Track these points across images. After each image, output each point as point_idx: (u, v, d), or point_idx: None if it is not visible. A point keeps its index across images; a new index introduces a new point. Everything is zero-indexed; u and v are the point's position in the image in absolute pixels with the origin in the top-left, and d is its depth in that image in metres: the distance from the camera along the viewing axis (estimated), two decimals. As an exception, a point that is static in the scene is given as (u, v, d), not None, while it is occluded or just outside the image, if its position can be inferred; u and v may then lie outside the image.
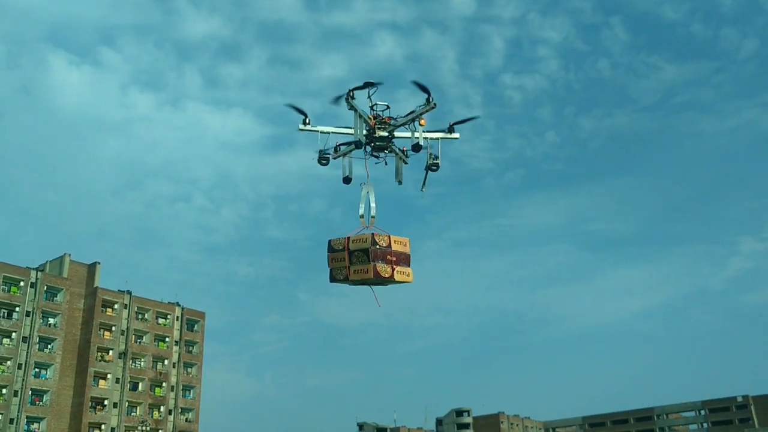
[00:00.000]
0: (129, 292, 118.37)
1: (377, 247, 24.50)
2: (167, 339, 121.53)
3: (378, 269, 24.32)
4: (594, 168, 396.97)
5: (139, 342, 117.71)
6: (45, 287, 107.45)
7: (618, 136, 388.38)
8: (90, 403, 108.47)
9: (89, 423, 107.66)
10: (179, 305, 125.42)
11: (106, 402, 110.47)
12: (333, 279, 25.42)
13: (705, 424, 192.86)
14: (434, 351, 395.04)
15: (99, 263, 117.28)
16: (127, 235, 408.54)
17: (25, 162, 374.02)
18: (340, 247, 25.07)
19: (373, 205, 25.20)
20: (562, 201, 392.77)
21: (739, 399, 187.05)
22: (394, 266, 24.74)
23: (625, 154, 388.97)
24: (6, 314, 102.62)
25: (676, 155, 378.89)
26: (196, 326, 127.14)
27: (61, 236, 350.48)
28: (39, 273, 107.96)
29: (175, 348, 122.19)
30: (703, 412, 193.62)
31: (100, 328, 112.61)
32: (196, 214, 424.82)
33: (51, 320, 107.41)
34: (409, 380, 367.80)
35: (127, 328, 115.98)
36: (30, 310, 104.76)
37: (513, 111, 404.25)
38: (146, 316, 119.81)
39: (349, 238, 25.10)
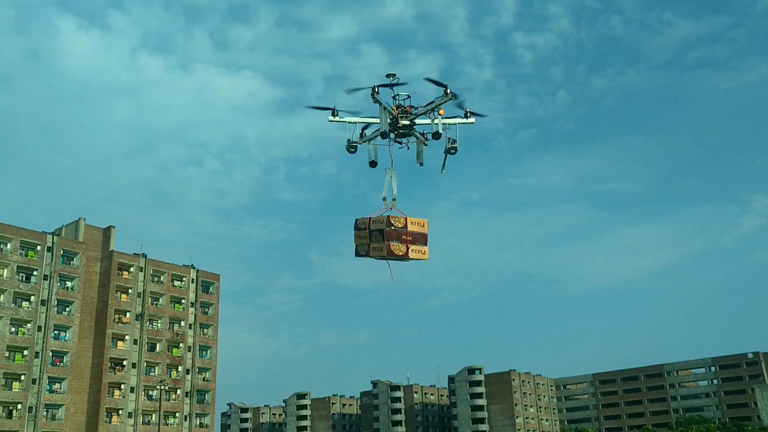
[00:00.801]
0: (144, 255, 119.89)
1: (392, 227, 26.57)
2: (183, 301, 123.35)
3: (392, 248, 26.47)
4: (606, 127, 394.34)
5: (156, 304, 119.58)
6: (61, 251, 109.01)
7: (630, 95, 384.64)
8: (109, 364, 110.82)
9: (109, 383, 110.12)
10: (194, 268, 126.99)
11: (124, 362, 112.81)
12: (357, 254, 27.61)
13: (715, 381, 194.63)
14: (446, 311, 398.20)
15: (114, 227, 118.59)
16: (140, 199, 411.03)
17: (37, 127, 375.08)
18: (363, 226, 27.21)
19: (395, 188, 27.06)
20: (574, 160, 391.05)
21: (750, 356, 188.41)
22: (409, 245, 26.74)
23: (637, 112, 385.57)
24: (24, 278, 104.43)
25: (689, 113, 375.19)
26: (211, 288, 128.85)
27: (76, 200, 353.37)
28: (55, 237, 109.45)
29: (191, 310, 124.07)
30: (713, 368, 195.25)
31: (116, 291, 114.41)
32: (209, 177, 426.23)
33: (68, 283, 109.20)
34: (422, 339, 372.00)
35: (143, 291, 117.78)
36: (47, 273, 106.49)
37: (524, 70, 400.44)
38: (162, 278, 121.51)
39: (370, 218, 27.17)
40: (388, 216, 26.77)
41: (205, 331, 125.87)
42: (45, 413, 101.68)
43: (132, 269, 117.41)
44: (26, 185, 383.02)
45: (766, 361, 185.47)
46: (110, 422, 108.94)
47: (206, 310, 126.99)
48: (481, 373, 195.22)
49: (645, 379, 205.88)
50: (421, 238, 27.08)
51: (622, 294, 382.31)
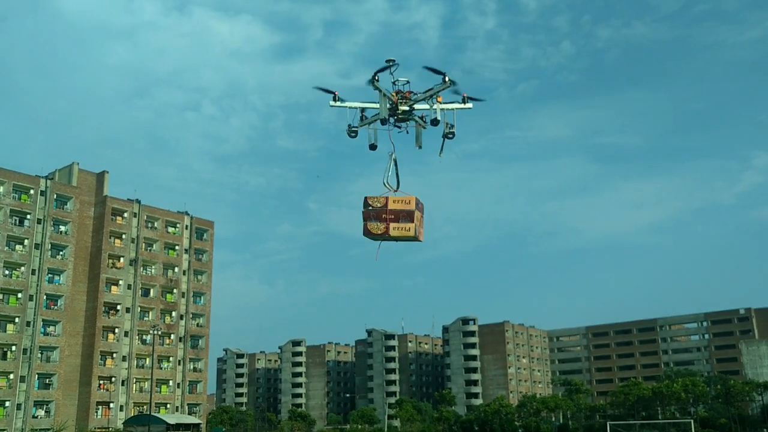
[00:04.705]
0: (138, 201, 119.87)
1: (370, 208, 26.92)
2: (177, 247, 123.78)
3: (368, 227, 26.74)
4: (609, 79, 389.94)
5: (150, 250, 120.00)
6: (55, 195, 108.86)
7: (635, 47, 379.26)
8: (103, 308, 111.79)
9: (103, 326, 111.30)
10: (188, 214, 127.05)
11: (119, 307, 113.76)
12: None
13: (706, 335, 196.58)
14: (443, 262, 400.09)
15: (107, 172, 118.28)
16: (137, 144, 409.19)
17: (32, 69, 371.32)
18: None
19: (398, 173, 27.59)
20: (575, 113, 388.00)
21: (742, 311, 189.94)
22: (390, 223, 26.82)
23: (641, 65, 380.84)
24: (18, 221, 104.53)
25: (694, 67, 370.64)
26: (205, 235, 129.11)
27: (72, 144, 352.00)
28: (48, 181, 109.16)
29: (185, 256, 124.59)
30: (705, 323, 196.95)
31: (110, 236, 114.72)
32: (206, 123, 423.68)
33: (62, 228, 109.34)
34: (418, 290, 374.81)
35: (137, 237, 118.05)
36: (41, 217, 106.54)
37: (528, 19, 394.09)
38: (156, 224, 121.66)
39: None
40: (366, 197, 27.09)
41: (199, 277, 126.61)
42: (39, 355, 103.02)
43: (126, 215, 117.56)
44: (22, 128, 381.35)
45: (758, 317, 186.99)
46: (104, 365, 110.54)
47: (200, 256, 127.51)
48: (475, 323, 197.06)
49: (637, 333, 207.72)
50: (405, 215, 27.04)
51: (619, 248, 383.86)
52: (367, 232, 26.83)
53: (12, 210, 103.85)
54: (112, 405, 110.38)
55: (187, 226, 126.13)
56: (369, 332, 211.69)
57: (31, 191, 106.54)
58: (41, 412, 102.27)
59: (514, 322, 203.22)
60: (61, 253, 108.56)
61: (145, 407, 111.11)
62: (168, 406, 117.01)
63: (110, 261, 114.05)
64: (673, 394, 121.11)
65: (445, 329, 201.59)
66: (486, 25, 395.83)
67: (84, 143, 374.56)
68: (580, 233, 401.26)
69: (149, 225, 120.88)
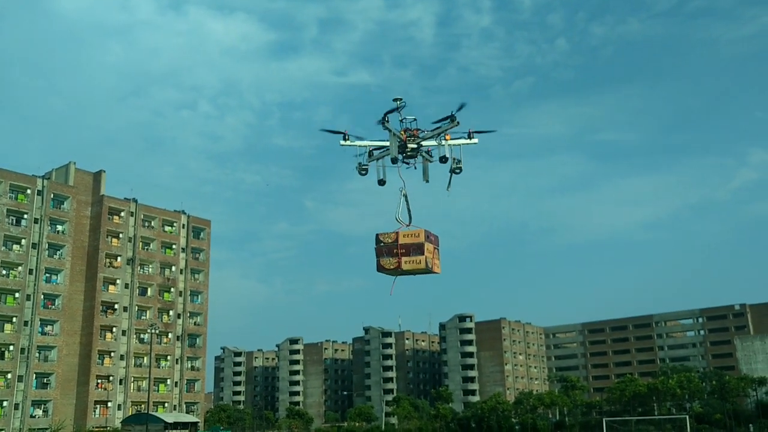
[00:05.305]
0: (135, 200, 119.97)
1: (381, 244, 28.10)
2: (174, 246, 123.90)
3: (382, 263, 27.95)
4: (605, 76, 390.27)
5: (147, 249, 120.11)
6: (51, 195, 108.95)
7: (630, 44, 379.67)
8: (101, 307, 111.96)
9: (101, 326, 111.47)
10: (185, 213, 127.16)
11: (116, 306, 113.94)
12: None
13: (702, 331, 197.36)
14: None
15: (104, 171, 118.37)
16: (133, 143, 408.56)
17: (28, 68, 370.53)
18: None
19: (409, 208, 28.86)
20: (572, 110, 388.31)
21: (737, 307, 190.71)
22: (401, 257, 27.79)
23: (636, 62, 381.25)
24: (15, 221, 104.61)
25: (689, 64, 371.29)
26: (202, 234, 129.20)
27: (69, 144, 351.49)
28: (45, 181, 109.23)
29: (182, 255, 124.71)
30: (700, 319, 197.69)
31: (107, 235, 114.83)
32: (202, 121, 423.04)
33: (59, 227, 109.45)
34: (414, 287, 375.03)
35: (134, 236, 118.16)
36: (38, 217, 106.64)
37: (523, 17, 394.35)
38: (152, 223, 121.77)
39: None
40: (377, 234, 28.08)
41: (196, 276, 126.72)
42: (37, 355, 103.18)
43: (122, 214, 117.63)
44: (19, 127, 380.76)
45: (753, 313, 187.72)
46: (102, 364, 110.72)
47: (197, 255, 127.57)
48: (471, 320, 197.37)
49: (633, 329, 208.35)
50: (416, 248, 27.73)
51: (616, 245, 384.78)
52: (380, 268, 27.76)
53: (9, 210, 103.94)
54: (109, 404, 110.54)
55: (183, 224, 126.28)
56: (366, 330, 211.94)
57: (28, 191, 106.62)
58: (39, 412, 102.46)
59: (511, 319, 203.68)
60: (58, 252, 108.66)
61: (142, 406, 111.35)
62: (166, 404, 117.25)
63: (107, 260, 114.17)
64: (668, 390, 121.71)
65: (442, 326, 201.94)
66: (481, 22, 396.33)
67: (81, 142, 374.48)
68: (577, 230, 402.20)
69: (146, 224, 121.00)
